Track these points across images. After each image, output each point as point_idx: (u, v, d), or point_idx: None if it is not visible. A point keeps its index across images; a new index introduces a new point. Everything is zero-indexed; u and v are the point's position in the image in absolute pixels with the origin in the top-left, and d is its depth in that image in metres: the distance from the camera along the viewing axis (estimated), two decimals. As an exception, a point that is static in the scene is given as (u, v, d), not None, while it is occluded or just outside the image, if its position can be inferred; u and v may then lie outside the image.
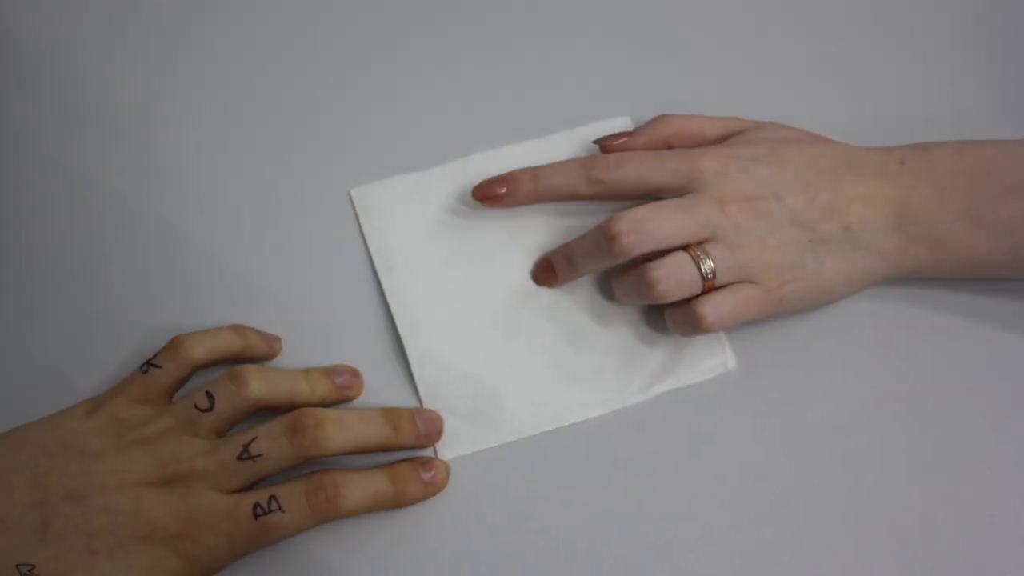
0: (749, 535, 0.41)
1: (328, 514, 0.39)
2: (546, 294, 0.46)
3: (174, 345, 0.42)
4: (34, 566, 0.36)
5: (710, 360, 0.44)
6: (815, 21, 0.53)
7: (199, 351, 0.42)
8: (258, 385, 0.40)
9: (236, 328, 0.44)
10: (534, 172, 0.45)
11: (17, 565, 0.36)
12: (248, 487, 0.39)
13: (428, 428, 0.42)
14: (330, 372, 0.43)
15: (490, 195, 0.46)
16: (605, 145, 0.47)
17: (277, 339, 0.45)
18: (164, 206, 0.48)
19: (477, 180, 0.48)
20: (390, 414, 0.41)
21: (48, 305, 0.46)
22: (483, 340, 0.45)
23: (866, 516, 0.41)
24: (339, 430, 0.39)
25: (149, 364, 0.41)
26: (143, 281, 0.46)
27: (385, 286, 0.46)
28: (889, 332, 0.45)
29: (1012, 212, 0.41)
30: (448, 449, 0.43)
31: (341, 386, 0.43)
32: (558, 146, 0.49)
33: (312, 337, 0.45)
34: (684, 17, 0.53)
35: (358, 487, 0.39)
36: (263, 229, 0.47)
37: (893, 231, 0.43)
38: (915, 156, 0.43)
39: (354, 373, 0.44)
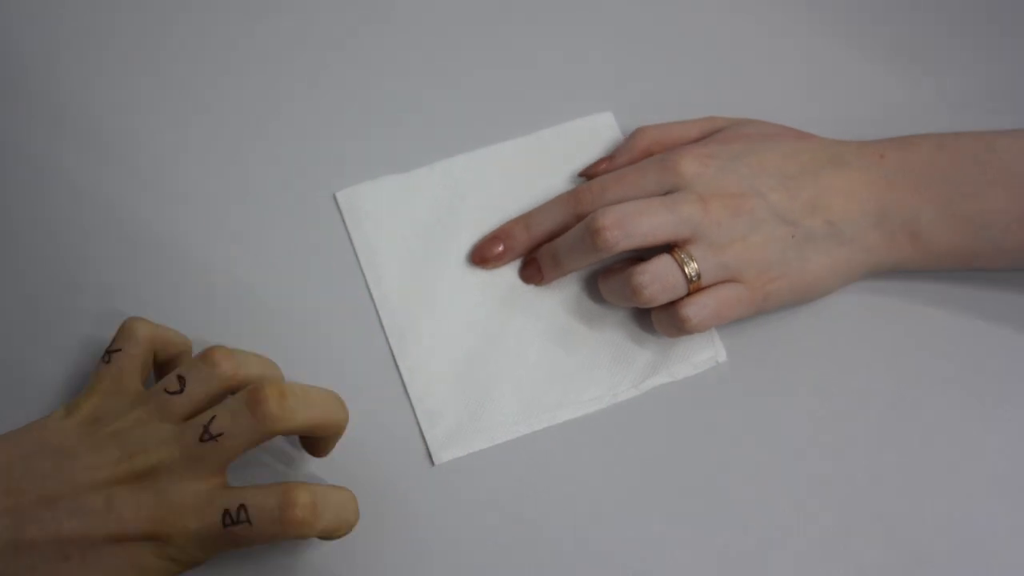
0: (738, 528, 0.41)
1: (298, 534, 0.36)
2: (534, 293, 0.46)
3: (126, 326, 0.41)
4: None
5: (701, 354, 0.44)
6: (794, 18, 0.53)
7: (152, 329, 0.41)
8: (229, 364, 0.38)
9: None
10: (525, 221, 0.46)
11: None
12: (223, 468, 0.37)
13: None
14: None
15: (489, 256, 0.46)
16: (590, 174, 0.47)
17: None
18: (146, 211, 0.47)
19: (463, 180, 0.48)
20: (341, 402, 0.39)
21: (34, 313, 0.45)
22: (473, 342, 0.45)
23: (855, 507, 0.42)
24: (301, 404, 0.37)
25: (109, 352, 0.40)
26: (126, 289, 0.46)
27: (374, 293, 0.46)
28: (877, 325, 0.45)
29: (991, 205, 0.42)
30: (443, 452, 0.43)
31: None
32: (544, 143, 0.49)
33: (300, 343, 0.45)
34: (664, 12, 0.53)
35: (331, 510, 0.37)
36: (248, 234, 0.47)
37: (875, 225, 0.43)
38: (895, 150, 0.44)
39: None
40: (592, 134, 0.49)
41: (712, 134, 0.46)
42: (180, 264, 0.46)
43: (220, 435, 0.37)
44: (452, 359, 0.45)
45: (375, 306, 0.46)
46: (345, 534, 0.38)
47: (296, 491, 0.36)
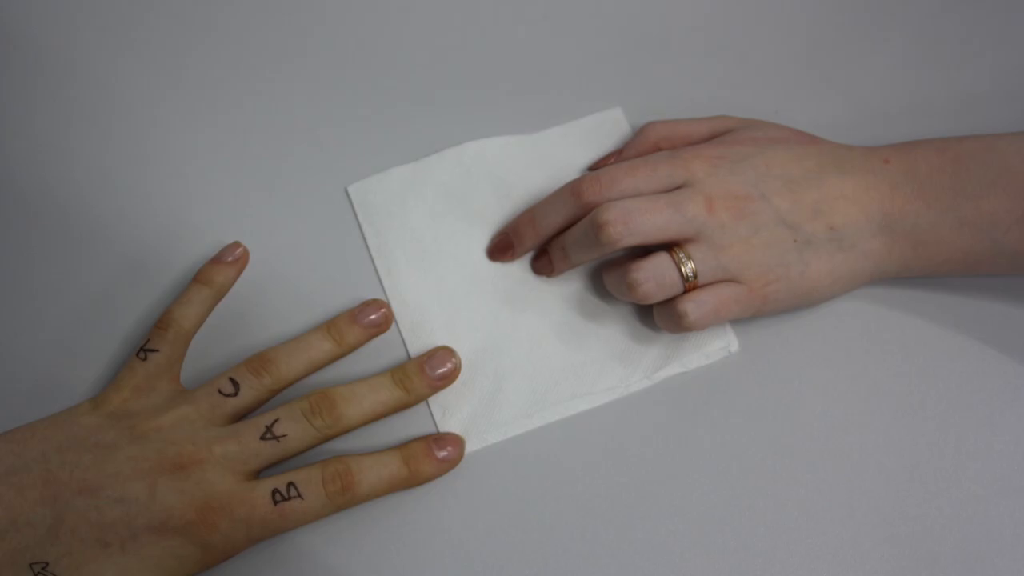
0: (747, 522, 0.41)
1: (344, 503, 0.39)
2: (547, 284, 0.46)
3: (162, 324, 0.42)
4: (47, 564, 0.36)
5: (713, 343, 0.45)
6: (805, 17, 0.53)
7: (187, 323, 0.43)
8: (280, 371, 0.41)
9: (201, 278, 0.44)
10: (530, 216, 0.46)
11: (30, 564, 0.36)
12: (266, 468, 0.40)
13: (438, 371, 0.42)
14: (355, 314, 0.43)
15: (501, 249, 0.46)
16: (599, 168, 0.47)
17: (234, 248, 0.45)
18: (158, 207, 0.47)
19: (474, 167, 0.48)
20: (398, 375, 0.42)
21: (44, 305, 0.45)
22: (485, 334, 0.45)
23: (866, 495, 0.42)
24: (353, 406, 0.40)
25: (145, 350, 0.41)
26: (138, 285, 0.46)
27: (386, 286, 0.46)
28: (888, 319, 0.45)
29: (993, 207, 0.41)
30: (458, 445, 0.43)
31: (370, 324, 0.43)
32: (554, 138, 0.49)
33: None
34: (674, 9, 0.53)
35: (372, 472, 0.40)
36: (261, 229, 0.47)
37: (878, 230, 0.43)
38: (899, 154, 0.44)
39: (379, 305, 0.44)
40: (602, 129, 0.49)
41: (721, 134, 0.46)
42: (192, 260, 0.46)
43: (283, 436, 0.39)
44: (464, 353, 0.44)
45: (387, 299, 0.46)
46: (414, 483, 0.41)
47: (333, 462, 0.40)
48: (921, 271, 0.44)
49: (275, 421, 0.39)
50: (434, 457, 0.41)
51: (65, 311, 0.45)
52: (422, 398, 0.42)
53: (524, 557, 0.41)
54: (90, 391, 0.43)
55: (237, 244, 0.45)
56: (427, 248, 0.47)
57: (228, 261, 0.45)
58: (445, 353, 0.43)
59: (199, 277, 0.44)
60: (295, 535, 0.41)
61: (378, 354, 0.44)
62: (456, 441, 0.42)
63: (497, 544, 0.41)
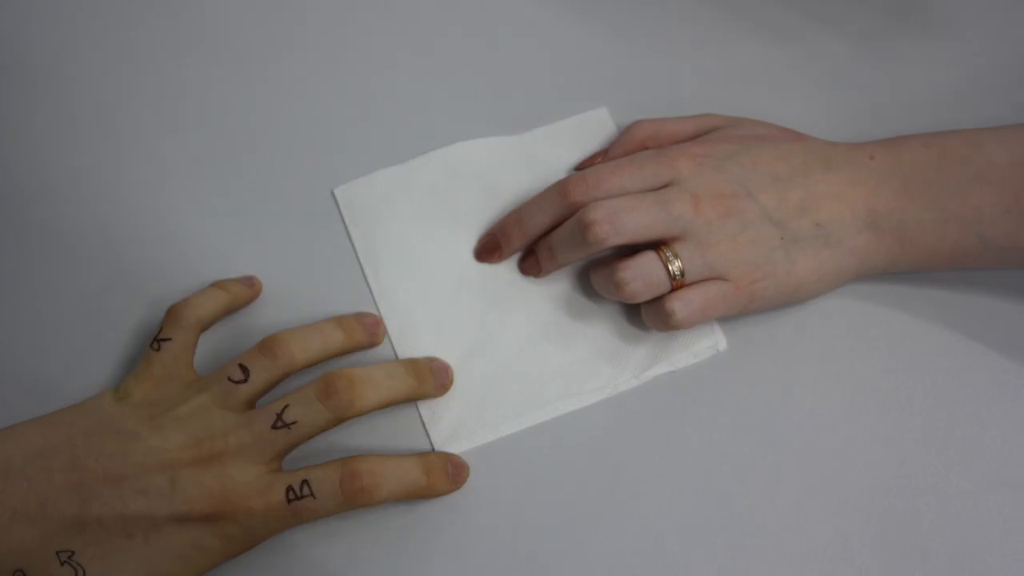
0: (736, 520, 0.41)
1: (361, 503, 0.39)
2: (535, 285, 0.46)
3: (173, 314, 0.43)
4: (73, 552, 0.36)
5: (701, 342, 0.45)
6: (790, 15, 0.53)
7: (200, 311, 0.43)
8: (292, 351, 0.41)
9: (217, 284, 0.45)
10: (517, 217, 0.46)
11: (57, 552, 0.36)
12: (285, 455, 0.40)
13: (443, 377, 0.43)
14: (359, 315, 0.44)
15: (488, 250, 0.46)
16: (586, 167, 0.47)
17: (252, 278, 0.46)
18: (147, 212, 0.47)
19: (461, 169, 0.48)
20: (412, 365, 0.42)
21: (44, 305, 0.45)
22: (473, 336, 0.45)
23: (855, 494, 0.42)
24: (370, 388, 0.40)
25: (158, 340, 0.42)
26: (138, 282, 0.46)
27: (373, 289, 0.46)
28: (877, 316, 0.45)
29: (978, 201, 0.41)
30: (447, 447, 0.43)
31: (371, 326, 0.44)
32: (540, 139, 0.49)
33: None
34: (660, 9, 0.52)
35: (393, 476, 0.40)
36: (247, 233, 0.47)
37: (864, 227, 0.43)
38: (884, 150, 0.44)
39: (375, 318, 0.45)
40: (588, 129, 0.49)
41: (707, 132, 0.46)
42: (181, 264, 0.46)
43: (293, 423, 0.39)
44: (453, 353, 0.45)
45: (375, 302, 0.46)
46: (428, 495, 0.41)
47: (355, 462, 0.39)
48: (908, 267, 0.44)
49: (285, 408, 0.39)
50: (447, 472, 0.41)
51: (65, 311, 0.45)
52: (427, 396, 0.43)
53: (513, 557, 0.41)
54: (90, 391, 0.43)
55: (253, 277, 0.46)
56: (414, 250, 0.47)
57: (244, 280, 0.45)
58: (443, 364, 0.44)
59: (216, 283, 0.45)
60: (295, 535, 0.41)
61: (367, 359, 0.44)
62: (465, 467, 0.42)
63: (486, 544, 0.41)
